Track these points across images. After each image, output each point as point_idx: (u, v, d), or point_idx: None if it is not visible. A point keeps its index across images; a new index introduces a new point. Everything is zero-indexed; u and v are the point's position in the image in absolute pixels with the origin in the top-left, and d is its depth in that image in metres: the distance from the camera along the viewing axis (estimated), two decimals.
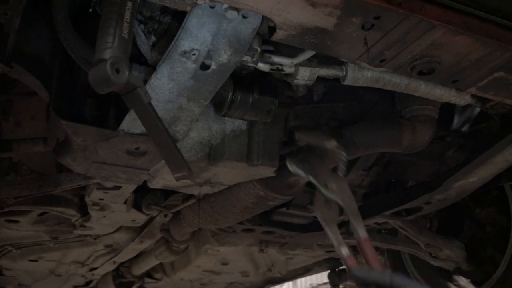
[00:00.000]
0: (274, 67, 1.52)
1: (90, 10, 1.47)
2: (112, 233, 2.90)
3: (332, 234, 1.53)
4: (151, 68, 1.49)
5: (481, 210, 2.76)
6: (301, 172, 1.58)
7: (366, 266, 1.41)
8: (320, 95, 2.02)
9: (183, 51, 1.35)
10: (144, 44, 1.47)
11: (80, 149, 1.67)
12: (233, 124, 1.82)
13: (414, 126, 1.90)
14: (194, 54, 1.36)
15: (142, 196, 2.45)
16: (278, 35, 1.31)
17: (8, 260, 3.16)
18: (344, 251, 1.45)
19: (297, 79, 1.57)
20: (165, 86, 1.46)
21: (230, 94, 1.64)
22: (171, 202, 2.45)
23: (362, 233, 1.48)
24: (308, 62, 1.56)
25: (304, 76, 1.56)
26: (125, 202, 2.38)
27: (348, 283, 4.38)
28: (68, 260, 3.35)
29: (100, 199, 2.29)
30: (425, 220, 2.92)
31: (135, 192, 2.30)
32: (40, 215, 2.59)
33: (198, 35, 1.32)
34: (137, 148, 1.70)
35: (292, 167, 1.59)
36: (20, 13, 1.53)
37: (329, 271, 4.29)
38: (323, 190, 1.55)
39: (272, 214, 2.59)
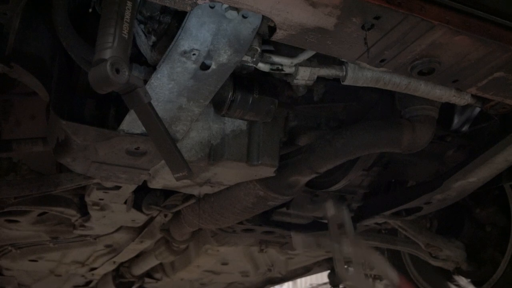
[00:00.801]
0: (274, 67, 1.52)
1: (90, 10, 1.47)
2: (112, 233, 2.90)
3: None
4: (151, 68, 1.49)
5: (481, 210, 2.76)
6: (310, 244, 1.56)
7: None
8: (320, 95, 2.02)
9: (183, 51, 1.35)
10: (144, 44, 1.47)
11: (80, 149, 1.67)
12: (233, 124, 1.82)
13: (414, 126, 1.90)
14: (194, 54, 1.36)
15: (142, 196, 2.45)
16: (278, 35, 1.31)
17: (8, 260, 3.16)
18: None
19: (297, 79, 1.57)
20: (165, 86, 1.46)
21: (230, 94, 1.64)
22: (171, 202, 2.45)
23: (394, 276, 1.42)
24: (308, 62, 1.56)
25: (304, 76, 1.56)
26: (125, 202, 2.38)
27: (348, 283, 4.38)
28: (68, 260, 3.35)
29: (100, 199, 2.29)
30: (425, 220, 2.92)
31: (135, 192, 2.30)
32: (40, 215, 2.59)
33: (198, 35, 1.32)
34: (137, 148, 1.70)
35: (298, 244, 1.57)
36: (20, 13, 1.53)
37: (329, 271, 4.29)
38: (339, 251, 1.51)
39: (272, 214, 2.59)
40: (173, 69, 1.41)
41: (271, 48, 1.52)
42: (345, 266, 1.47)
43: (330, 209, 1.66)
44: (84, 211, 2.53)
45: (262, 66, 1.51)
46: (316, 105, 2.02)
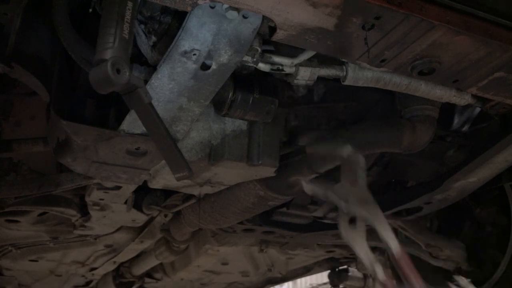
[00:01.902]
0: (275, 67, 1.52)
1: (90, 10, 1.47)
2: (112, 233, 2.90)
3: (364, 255, 1.39)
4: (152, 68, 1.49)
5: (481, 210, 2.76)
6: (319, 192, 1.48)
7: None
8: (320, 95, 2.03)
9: (184, 51, 1.35)
10: (145, 44, 1.47)
11: (81, 149, 1.67)
12: (234, 124, 1.82)
13: (414, 126, 1.90)
14: (194, 54, 1.36)
15: (143, 196, 2.45)
16: (279, 35, 1.31)
17: (8, 260, 3.16)
18: (380, 272, 1.30)
19: (297, 79, 1.57)
20: (165, 86, 1.46)
21: (231, 94, 1.64)
22: (172, 202, 2.45)
23: (394, 246, 1.33)
24: (309, 62, 1.56)
25: (305, 76, 1.56)
26: (126, 202, 2.38)
27: (348, 283, 4.38)
28: (68, 260, 3.35)
29: (101, 199, 2.29)
30: (425, 220, 2.92)
31: (135, 192, 2.30)
32: (40, 215, 2.59)
33: (198, 35, 1.32)
34: (137, 148, 1.70)
35: (308, 188, 1.50)
36: (21, 13, 1.53)
37: (329, 271, 4.29)
38: (344, 207, 1.41)
39: (272, 214, 2.59)
40: (174, 69, 1.41)
41: (272, 48, 1.52)
42: (348, 227, 1.35)
43: (346, 151, 1.48)
44: (84, 211, 2.53)
45: (262, 66, 1.51)
46: (316, 105, 2.03)
